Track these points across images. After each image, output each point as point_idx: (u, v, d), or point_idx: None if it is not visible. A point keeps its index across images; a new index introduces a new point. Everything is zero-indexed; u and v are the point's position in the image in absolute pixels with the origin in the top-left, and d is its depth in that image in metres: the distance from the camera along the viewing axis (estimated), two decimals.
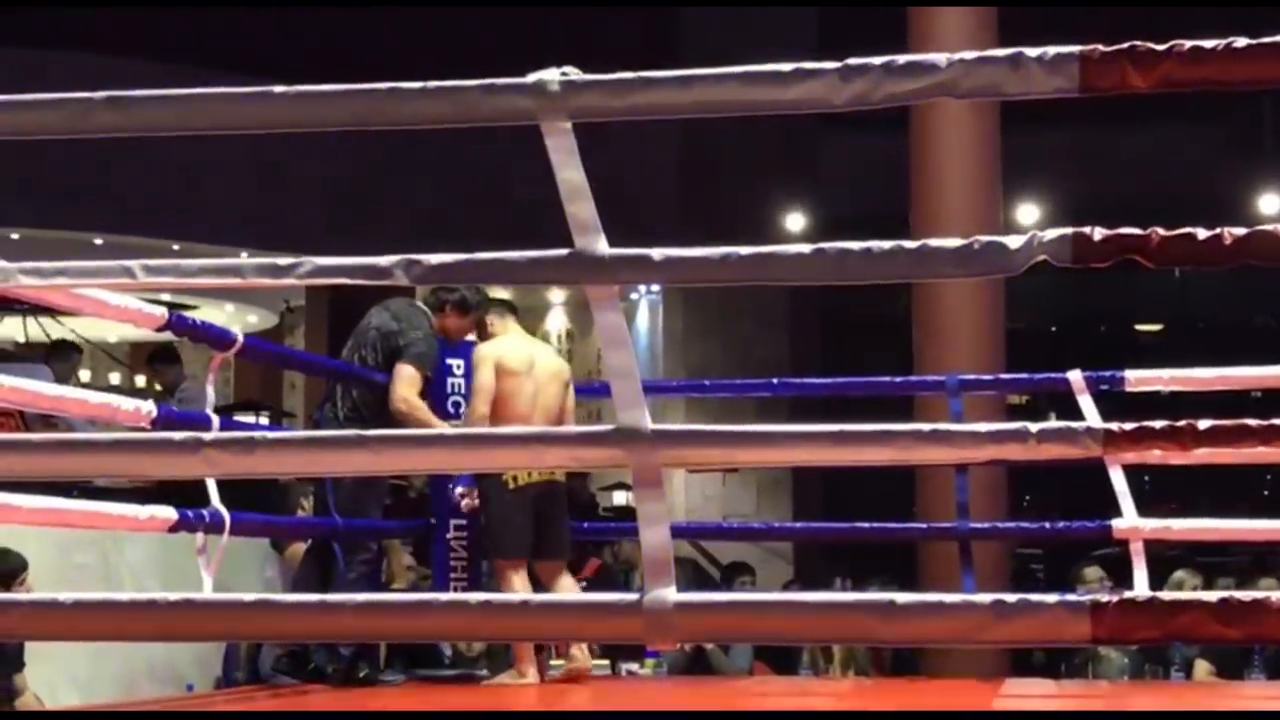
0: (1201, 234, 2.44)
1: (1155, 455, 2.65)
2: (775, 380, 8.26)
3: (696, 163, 15.75)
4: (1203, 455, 2.58)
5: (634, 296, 15.97)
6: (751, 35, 14.13)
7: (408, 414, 5.74)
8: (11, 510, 4.18)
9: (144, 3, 14.68)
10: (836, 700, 5.68)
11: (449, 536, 6.26)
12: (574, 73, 2.64)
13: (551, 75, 2.63)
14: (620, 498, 13.68)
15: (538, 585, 5.86)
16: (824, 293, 14.98)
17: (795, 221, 15.96)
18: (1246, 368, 5.88)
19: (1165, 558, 7.63)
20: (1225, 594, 2.40)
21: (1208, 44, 2.42)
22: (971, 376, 7.11)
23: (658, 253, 2.67)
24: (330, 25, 15.35)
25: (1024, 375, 7.22)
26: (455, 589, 6.11)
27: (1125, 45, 2.44)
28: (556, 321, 16.96)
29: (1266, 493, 13.24)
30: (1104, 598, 2.43)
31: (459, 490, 5.91)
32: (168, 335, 5.77)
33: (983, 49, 2.62)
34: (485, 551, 6.00)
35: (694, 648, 8.22)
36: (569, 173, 2.63)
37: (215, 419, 5.05)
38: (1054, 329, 16.63)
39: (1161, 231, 2.45)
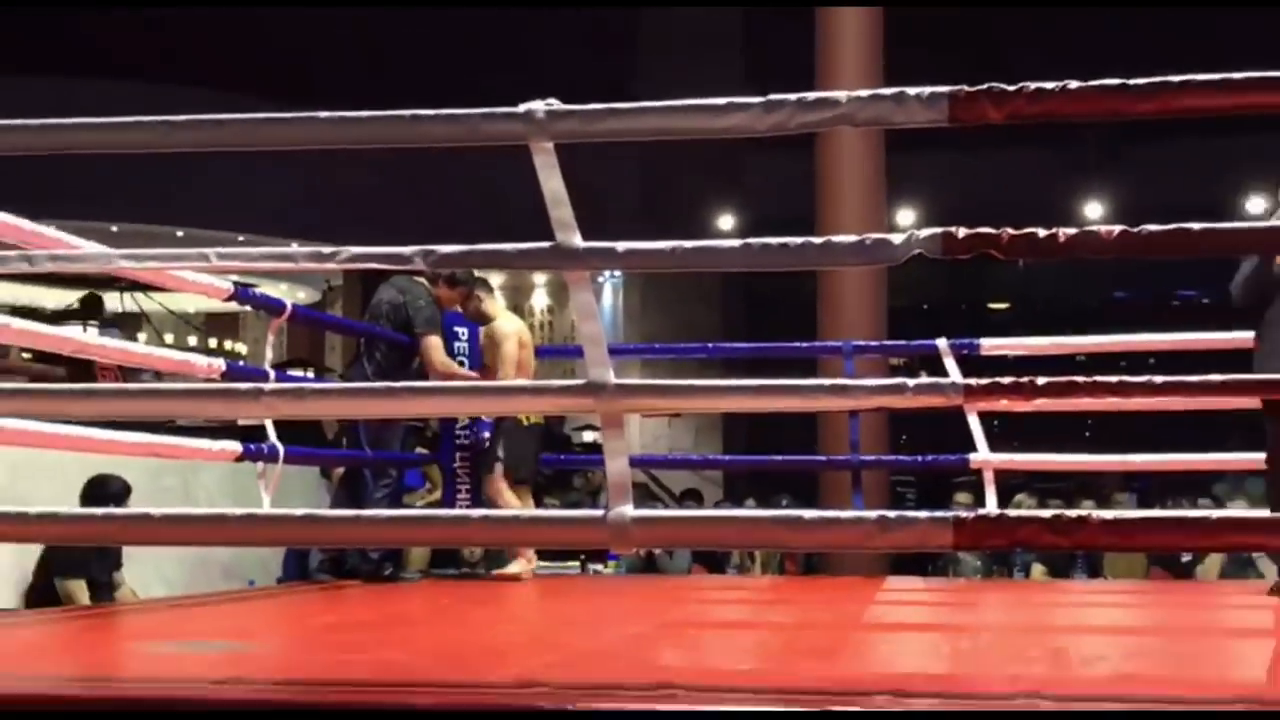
0: (1041, 233, 2.46)
1: (1003, 404, 2.66)
2: (710, 345, 8.27)
3: (651, 174, 15.72)
4: (1039, 404, 2.60)
5: (601, 280, 15.92)
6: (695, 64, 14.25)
7: (448, 376, 5.67)
8: (115, 443, 4.16)
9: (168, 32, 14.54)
10: (756, 593, 5.71)
11: (455, 466, 6.26)
12: (555, 104, 2.63)
13: (538, 106, 2.62)
14: (589, 436, 13.66)
15: None
16: (749, 277, 14.97)
17: (727, 221, 15.95)
18: (1074, 337, 5.93)
19: (1010, 484, 7.69)
20: (1056, 512, 2.43)
21: (1047, 85, 2.43)
22: (862, 343, 7.15)
23: (621, 245, 2.67)
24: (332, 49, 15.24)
25: (902, 342, 7.24)
26: (460, 505, 6.10)
27: (984, 86, 2.45)
28: (540, 299, 16.91)
29: (1087, 434, 13.31)
30: (963, 514, 2.45)
31: (485, 435, 5.84)
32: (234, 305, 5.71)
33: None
34: (504, 472, 5.89)
35: (646, 552, 8.26)
36: (551, 183, 2.62)
37: (272, 372, 5.02)
38: (925, 307, 16.65)
39: (1010, 231, 2.46)
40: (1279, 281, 4.52)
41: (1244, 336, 4.75)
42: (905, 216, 15.02)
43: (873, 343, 7.66)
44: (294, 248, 2.99)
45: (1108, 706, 2.06)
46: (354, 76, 14.63)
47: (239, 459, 4.74)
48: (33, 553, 5.83)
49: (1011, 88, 2.43)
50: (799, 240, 2.60)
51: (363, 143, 2.86)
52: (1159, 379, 2.54)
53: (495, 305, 5.97)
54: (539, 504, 6.76)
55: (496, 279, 6.38)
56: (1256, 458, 4.80)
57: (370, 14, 15.38)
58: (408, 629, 3.78)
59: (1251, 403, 4.13)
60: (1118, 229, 2.45)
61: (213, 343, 16.19)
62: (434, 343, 5.65)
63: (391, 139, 2.80)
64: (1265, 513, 3.83)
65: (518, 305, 15.70)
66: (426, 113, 2.72)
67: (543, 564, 6.38)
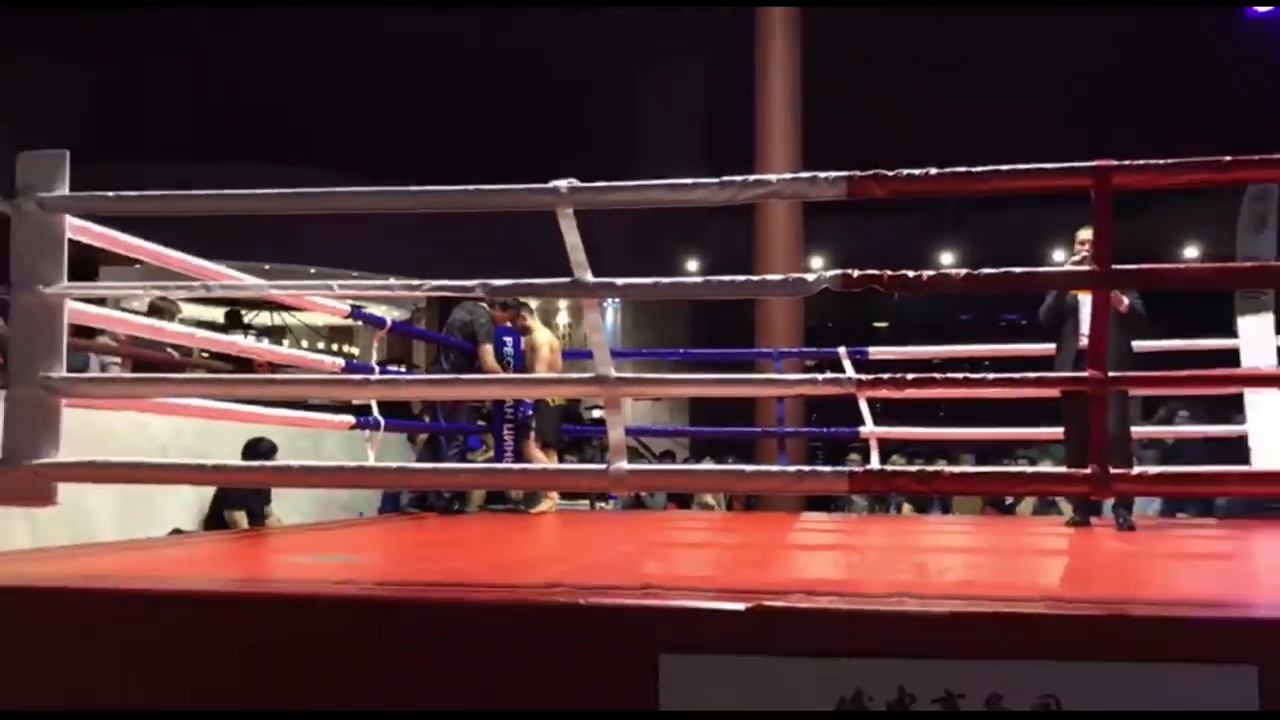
0: (911, 274, 2.46)
1: (883, 393, 2.67)
2: (681, 350, 8.26)
3: (640, 230, 15.72)
4: (909, 393, 2.60)
5: (605, 304, 15.87)
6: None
7: (493, 373, 5.68)
8: (267, 416, 4.15)
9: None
10: (712, 523, 5.69)
11: (503, 434, 6.24)
12: (575, 182, 2.63)
13: (562, 183, 2.62)
14: (597, 413, 13.62)
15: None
16: (709, 303, 14.89)
17: (693, 264, 15.96)
18: (933, 347, 5.93)
19: (888, 449, 7.68)
20: (920, 468, 2.43)
21: (916, 171, 2.44)
22: (786, 350, 7.14)
23: (620, 281, 2.67)
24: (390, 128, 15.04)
25: (814, 350, 7.23)
26: (506, 462, 6.08)
27: (870, 172, 2.45)
28: (563, 316, 16.92)
29: (941, 414, 13.31)
30: (855, 469, 2.46)
31: (529, 413, 5.87)
32: (349, 321, 5.68)
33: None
34: (536, 438, 5.90)
35: (635, 495, 8.24)
36: (571, 237, 2.63)
37: (376, 368, 5.00)
38: (830, 325, 16.64)
39: (890, 272, 2.47)
40: (1072, 309, 4.55)
41: (1047, 348, 4.78)
42: (817, 261, 15.02)
43: (794, 350, 7.66)
44: (391, 280, 2.98)
45: (953, 604, 2.06)
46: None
47: (352, 428, 4.73)
48: (208, 492, 5.81)
49: (890, 173, 2.44)
50: (743, 278, 2.61)
51: (439, 209, 2.85)
52: (991, 376, 2.55)
53: (534, 321, 5.97)
54: (561, 460, 6.74)
55: (534, 303, 6.36)
56: (1057, 431, 4.82)
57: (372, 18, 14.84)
58: (468, 547, 3.77)
59: (1052, 393, 4.14)
60: (964, 271, 2.46)
61: (334, 347, 16.16)
62: (487, 350, 5.65)
63: (458, 206, 2.80)
64: (1062, 469, 3.83)
65: (547, 321, 15.65)
66: (485, 188, 2.71)
67: (564, 502, 6.37)
